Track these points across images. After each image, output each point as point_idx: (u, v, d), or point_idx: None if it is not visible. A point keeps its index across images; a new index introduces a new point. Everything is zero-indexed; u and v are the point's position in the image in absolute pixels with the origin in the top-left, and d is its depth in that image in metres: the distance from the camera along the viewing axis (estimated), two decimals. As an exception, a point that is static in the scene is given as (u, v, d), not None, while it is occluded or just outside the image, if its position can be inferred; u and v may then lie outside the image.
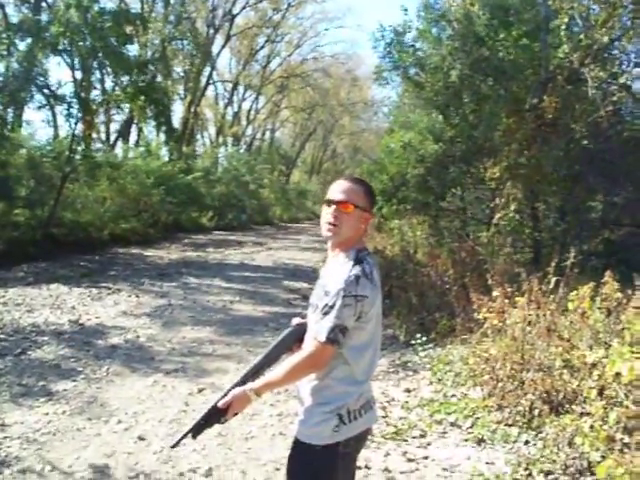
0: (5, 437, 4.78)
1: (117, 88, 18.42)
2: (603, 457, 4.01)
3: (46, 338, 7.60)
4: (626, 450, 3.90)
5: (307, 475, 2.47)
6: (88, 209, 18.38)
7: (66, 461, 4.44)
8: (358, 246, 2.52)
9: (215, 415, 2.49)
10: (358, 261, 2.43)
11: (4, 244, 13.11)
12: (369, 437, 4.20)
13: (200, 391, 6.04)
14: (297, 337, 2.64)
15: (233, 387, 2.49)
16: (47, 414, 5.28)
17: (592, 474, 4.08)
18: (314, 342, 2.40)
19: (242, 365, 6.67)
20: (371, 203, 2.60)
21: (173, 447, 2.58)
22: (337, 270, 2.44)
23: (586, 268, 7.40)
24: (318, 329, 2.39)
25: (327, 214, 2.52)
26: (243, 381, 2.51)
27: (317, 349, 2.39)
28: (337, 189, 2.54)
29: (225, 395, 2.47)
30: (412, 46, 13.30)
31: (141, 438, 4.91)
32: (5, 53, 15.75)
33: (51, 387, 5.94)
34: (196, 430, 2.50)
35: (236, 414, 2.51)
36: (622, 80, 9.96)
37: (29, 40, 16.30)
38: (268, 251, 19.67)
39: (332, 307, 2.36)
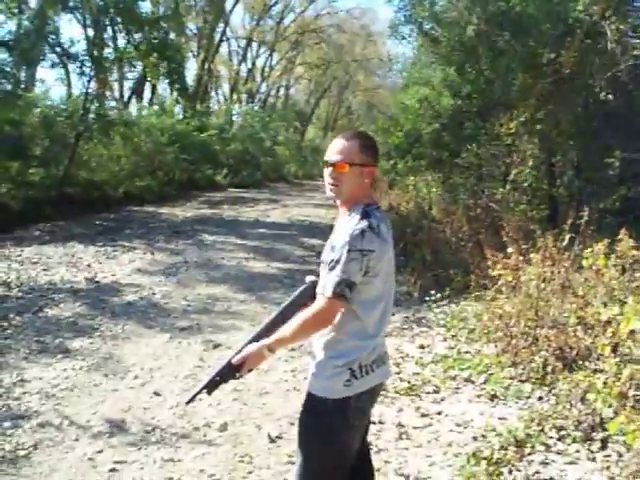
0: (24, 392, 4.87)
1: (130, 45, 18.24)
2: (615, 413, 4.03)
3: (62, 296, 7.67)
4: (638, 407, 3.92)
5: (319, 429, 2.48)
6: (103, 168, 18.33)
7: (84, 416, 4.51)
8: (366, 201, 2.51)
9: (230, 371, 2.50)
10: (365, 215, 2.43)
11: (20, 203, 13.13)
12: (383, 392, 4.24)
13: (215, 347, 6.09)
14: (311, 294, 2.63)
15: (247, 344, 2.51)
16: (65, 370, 5.36)
17: (604, 430, 4.10)
18: (321, 297, 2.41)
19: (256, 322, 6.72)
20: (370, 155, 2.55)
21: (188, 403, 2.62)
22: (344, 226, 2.45)
23: (602, 225, 7.34)
24: (324, 284, 2.40)
25: (327, 175, 2.54)
26: (257, 338, 2.52)
27: (325, 304, 2.39)
28: (332, 149, 2.54)
29: (239, 351, 2.49)
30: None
31: (157, 393, 4.98)
32: (16, 11, 15.66)
33: (68, 344, 6.01)
34: (211, 386, 2.52)
35: (250, 370, 2.52)
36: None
37: (40, -3, 16.21)
38: (283, 208, 19.61)
39: (338, 262, 2.36)
